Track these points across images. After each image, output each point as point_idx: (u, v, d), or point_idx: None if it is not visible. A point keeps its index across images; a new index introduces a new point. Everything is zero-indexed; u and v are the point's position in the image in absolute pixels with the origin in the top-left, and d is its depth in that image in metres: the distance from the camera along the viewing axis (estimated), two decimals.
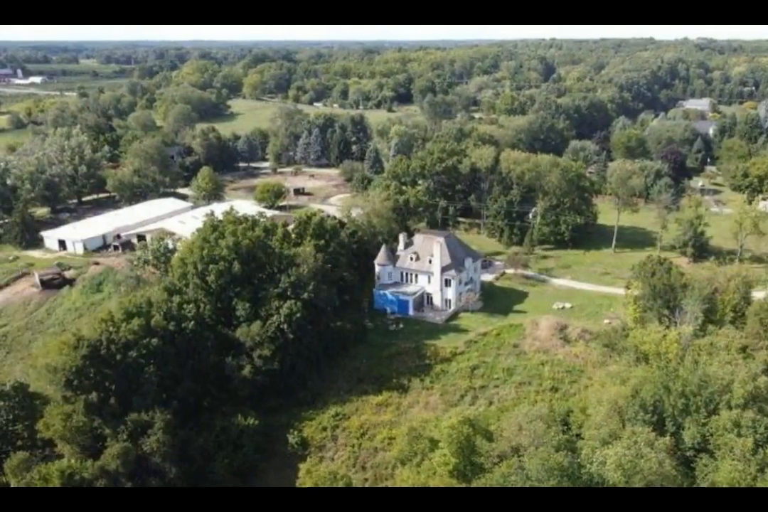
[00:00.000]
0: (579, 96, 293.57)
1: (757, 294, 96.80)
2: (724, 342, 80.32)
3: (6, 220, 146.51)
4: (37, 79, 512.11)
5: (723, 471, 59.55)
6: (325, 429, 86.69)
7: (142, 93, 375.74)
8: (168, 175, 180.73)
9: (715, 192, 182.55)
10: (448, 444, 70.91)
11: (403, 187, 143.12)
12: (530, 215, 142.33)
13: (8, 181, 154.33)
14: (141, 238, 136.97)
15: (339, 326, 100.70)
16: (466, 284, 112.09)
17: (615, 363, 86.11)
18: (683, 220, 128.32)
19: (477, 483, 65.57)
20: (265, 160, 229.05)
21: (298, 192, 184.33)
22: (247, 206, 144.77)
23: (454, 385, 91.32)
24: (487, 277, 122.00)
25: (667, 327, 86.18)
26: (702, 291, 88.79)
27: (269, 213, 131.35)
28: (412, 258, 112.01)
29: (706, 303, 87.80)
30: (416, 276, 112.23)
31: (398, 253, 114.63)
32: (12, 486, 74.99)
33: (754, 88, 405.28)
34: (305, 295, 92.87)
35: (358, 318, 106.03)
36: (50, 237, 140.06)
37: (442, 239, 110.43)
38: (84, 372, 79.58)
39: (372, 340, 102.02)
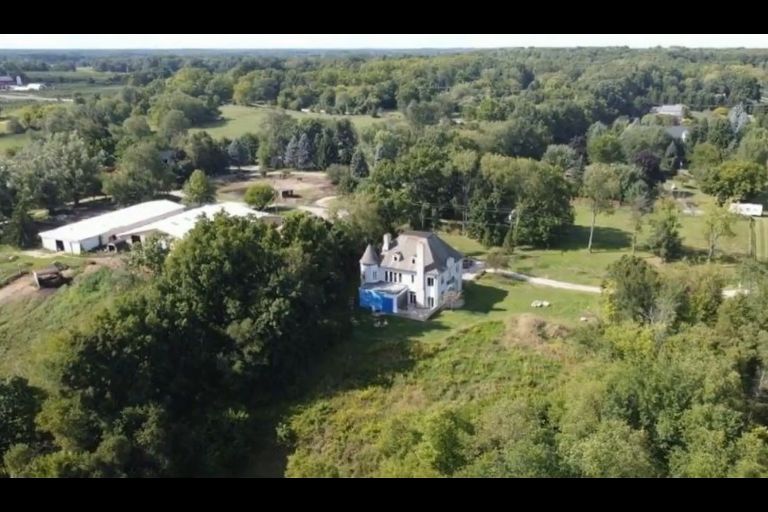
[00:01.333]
0: (556, 102, 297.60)
1: (728, 293, 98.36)
2: (696, 339, 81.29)
3: (6, 222, 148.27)
4: (36, 86, 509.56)
5: (695, 463, 60.68)
6: (312, 422, 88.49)
7: (137, 99, 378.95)
8: (161, 178, 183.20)
9: (688, 194, 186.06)
10: (430, 437, 72.13)
11: (388, 190, 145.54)
12: (510, 217, 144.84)
13: (8, 184, 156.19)
14: (135, 238, 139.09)
15: (326, 323, 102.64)
16: (448, 283, 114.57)
17: (591, 359, 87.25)
18: (657, 222, 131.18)
19: (458, 474, 66.64)
20: (254, 163, 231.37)
21: (287, 194, 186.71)
22: (237, 208, 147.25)
23: (436, 380, 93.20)
24: (469, 276, 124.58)
25: (642, 324, 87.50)
26: (675, 289, 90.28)
27: (259, 214, 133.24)
28: (396, 258, 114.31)
29: (678, 301, 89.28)
30: (400, 275, 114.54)
31: (383, 253, 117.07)
32: (11, 477, 76.36)
33: (724, 94, 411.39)
34: (293, 294, 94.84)
35: (344, 315, 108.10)
36: (48, 237, 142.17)
37: (425, 240, 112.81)
38: (81, 368, 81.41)
39: (357, 337, 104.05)
